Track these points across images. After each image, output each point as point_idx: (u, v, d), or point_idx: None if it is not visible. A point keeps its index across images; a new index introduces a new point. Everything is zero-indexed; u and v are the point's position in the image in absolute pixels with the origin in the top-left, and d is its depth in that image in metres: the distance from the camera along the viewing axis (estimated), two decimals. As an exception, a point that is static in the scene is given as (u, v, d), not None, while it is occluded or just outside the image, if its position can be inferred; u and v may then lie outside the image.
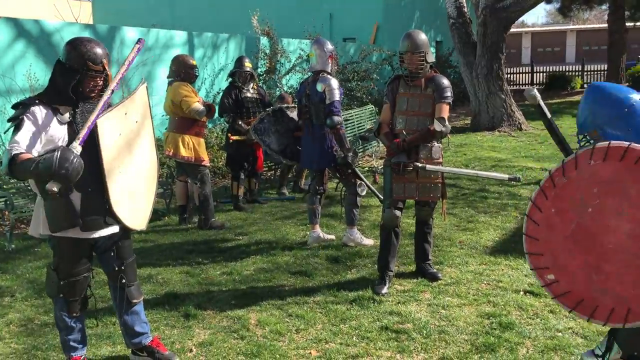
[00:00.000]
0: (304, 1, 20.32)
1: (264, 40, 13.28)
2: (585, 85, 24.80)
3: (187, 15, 21.49)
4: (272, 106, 6.53)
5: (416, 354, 3.51)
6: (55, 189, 2.69)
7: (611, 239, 2.10)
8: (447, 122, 4.46)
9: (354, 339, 3.72)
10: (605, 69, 24.75)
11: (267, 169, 8.84)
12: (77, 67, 2.95)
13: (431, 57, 4.55)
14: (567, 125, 13.92)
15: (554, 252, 2.21)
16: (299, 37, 14.81)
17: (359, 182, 5.51)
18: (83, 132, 2.84)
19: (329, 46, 5.46)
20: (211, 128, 10.14)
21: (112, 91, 2.95)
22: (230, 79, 7.11)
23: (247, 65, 6.98)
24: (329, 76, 5.36)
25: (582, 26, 52.39)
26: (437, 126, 4.38)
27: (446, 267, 4.95)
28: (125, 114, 3.15)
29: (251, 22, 14.09)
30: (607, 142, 2.18)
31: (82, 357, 3.32)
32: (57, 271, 3.16)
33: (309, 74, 5.63)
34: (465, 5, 13.69)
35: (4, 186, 6.43)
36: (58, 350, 3.64)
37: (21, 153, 2.79)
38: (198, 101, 6.09)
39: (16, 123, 2.87)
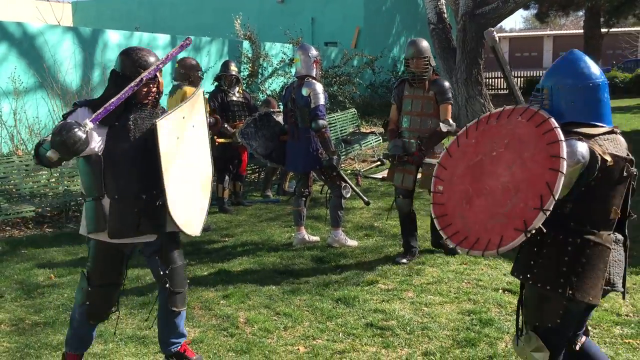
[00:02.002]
0: (286, 5, 20.48)
1: (246, 44, 13.39)
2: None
3: (168, 18, 21.51)
4: (258, 110, 6.63)
5: (400, 349, 3.65)
6: (52, 156, 2.73)
7: (491, 183, 2.36)
8: (451, 122, 5.03)
9: (340, 335, 3.85)
10: (581, 74, 25.26)
11: (251, 172, 8.94)
12: (130, 74, 3.02)
13: (433, 62, 5.10)
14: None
15: (455, 172, 2.52)
16: (281, 41, 14.94)
17: (343, 184, 5.64)
18: (99, 111, 2.87)
19: (314, 52, 5.60)
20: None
21: (142, 79, 2.98)
22: (216, 83, 7.20)
23: (233, 69, 7.08)
24: (313, 81, 5.49)
25: (559, 32, 53.26)
26: (444, 127, 5.00)
27: (428, 267, 5.10)
28: (183, 117, 3.15)
29: (233, 25, 14.21)
30: (538, 108, 2.37)
31: (79, 356, 3.33)
32: (89, 277, 3.16)
33: (292, 77, 5.78)
34: (445, 11, 13.92)
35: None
36: (50, 349, 3.72)
37: (47, 138, 2.87)
38: (207, 110, 6.15)
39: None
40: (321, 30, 19.80)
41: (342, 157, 9.21)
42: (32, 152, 2.90)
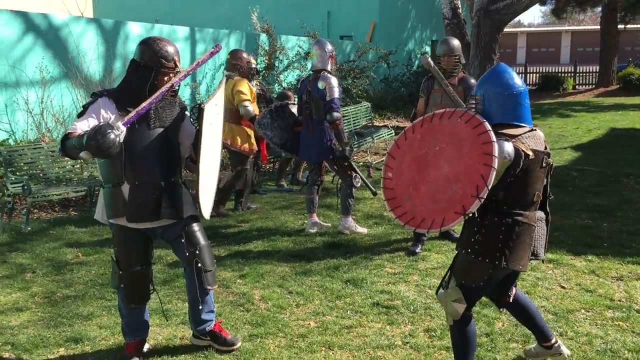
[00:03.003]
0: (302, -1, 20.69)
1: (263, 37, 13.66)
2: (577, 87, 25.30)
3: (186, 10, 21.81)
4: (274, 102, 6.91)
5: (404, 326, 3.93)
6: (85, 157, 2.88)
7: (435, 173, 2.82)
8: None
9: (349, 312, 4.14)
10: (597, 70, 25.26)
11: (266, 162, 9.22)
12: (151, 64, 3.13)
13: (463, 60, 5.44)
14: (557, 126, 14.39)
15: (403, 162, 2.96)
16: (297, 34, 15.18)
17: (354, 174, 5.91)
18: (131, 115, 2.98)
19: (329, 46, 5.86)
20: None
21: (172, 85, 3.11)
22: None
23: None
24: (329, 75, 5.75)
25: (577, 27, 52.92)
26: None
27: (434, 253, 5.36)
28: (216, 105, 3.31)
29: (250, 18, 14.48)
30: (475, 113, 2.85)
31: (138, 342, 3.46)
32: (118, 261, 3.30)
33: (307, 70, 6.05)
34: (460, 6, 14.08)
35: (17, 173, 6.80)
36: (82, 318, 4.05)
37: (73, 132, 2.98)
38: (250, 101, 6.48)
39: (81, 111, 3.15)
40: (337, 23, 19.99)
41: (354, 150, 9.48)
42: (59, 144, 3.02)
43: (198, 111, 3.25)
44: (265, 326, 3.92)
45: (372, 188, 6.19)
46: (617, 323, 3.92)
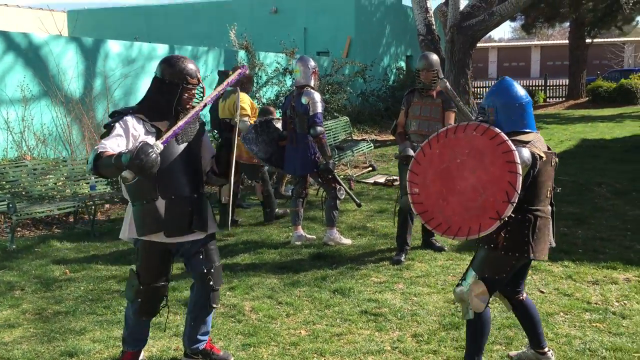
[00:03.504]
0: (279, 16, 20.94)
1: (241, 54, 13.81)
2: (548, 100, 25.92)
3: (162, 27, 21.88)
4: (258, 118, 7.04)
5: (392, 332, 4.06)
6: (128, 177, 2.84)
7: (461, 184, 3.02)
8: None
9: (338, 321, 4.25)
10: (567, 83, 25.93)
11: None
12: (177, 81, 3.19)
13: (441, 74, 5.70)
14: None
15: (427, 177, 3.16)
16: (274, 50, 15.37)
17: (338, 186, 6.06)
18: (168, 134, 3.01)
19: (312, 63, 6.03)
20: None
21: (205, 104, 3.17)
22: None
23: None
24: (312, 90, 5.92)
25: (546, 42, 54.18)
26: None
27: (417, 262, 5.52)
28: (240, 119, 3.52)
29: (228, 35, 14.63)
30: (489, 124, 3.05)
31: (136, 352, 3.51)
32: (139, 276, 3.32)
33: (285, 86, 6.21)
34: (434, 23, 14.43)
35: (0, 191, 6.79)
36: (75, 333, 4.09)
37: (106, 151, 2.95)
38: (249, 116, 6.70)
39: (108, 129, 3.13)
40: (314, 40, 20.27)
41: (335, 163, 9.64)
42: (89, 164, 2.94)
43: (228, 126, 3.41)
44: (257, 336, 4.01)
45: (357, 200, 6.34)
46: (594, 324, 4.11)
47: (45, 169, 7.34)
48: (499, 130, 3.00)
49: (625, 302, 4.50)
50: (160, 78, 3.24)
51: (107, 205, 7.93)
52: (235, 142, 3.33)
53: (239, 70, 3.46)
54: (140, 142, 2.85)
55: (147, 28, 21.61)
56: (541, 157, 3.14)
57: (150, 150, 2.80)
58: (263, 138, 6.17)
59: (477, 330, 3.30)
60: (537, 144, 3.21)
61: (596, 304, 4.48)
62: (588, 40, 25.67)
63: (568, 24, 26.20)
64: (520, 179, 2.87)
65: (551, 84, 26.79)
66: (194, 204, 3.32)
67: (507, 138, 2.96)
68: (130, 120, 3.15)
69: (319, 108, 5.84)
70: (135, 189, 3.21)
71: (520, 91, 3.29)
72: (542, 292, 4.73)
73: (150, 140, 3.07)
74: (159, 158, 2.86)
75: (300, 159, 5.98)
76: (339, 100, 14.51)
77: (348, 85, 15.50)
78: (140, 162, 2.77)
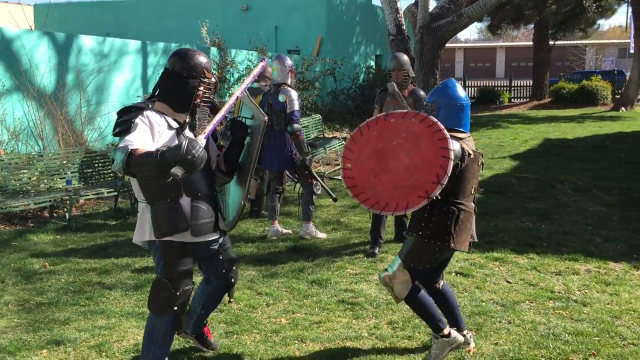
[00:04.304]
0: (250, 13, 20.96)
1: (214, 51, 13.86)
2: (513, 100, 26.56)
3: (132, 22, 21.67)
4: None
5: (369, 320, 4.26)
6: (179, 173, 2.73)
7: (395, 164, 3.29)
8: None
9: (316, 310, 4.43)
10: (531, 84, 26.60)
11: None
12: (195, 75, 3.12)
13: (412, 73, 5.92)
14: (495, 137, 15.19)
15: (361, 154, 3.39)
16: (245, 47, 15.45)
17: (314, 182, 6.23)
18: (209, 128, 3.00)
19: (289, 61, 6.19)
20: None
21: (237, 97, 3.21)
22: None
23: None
24: (289, 88, 6.08)
25: (511, 43, 55.30)
26: None
27: (390, 255, 5.72)
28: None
29: (199, 31, 14.66)
30: (428, 115, 3.35)
31: None
32: (171, 282, 3.16)
33: (255, 83, 6.37)
34: (403, 23, 14.70)
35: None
36: (60, 323, 4.18)
37: (137, 149, 2.81)
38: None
39: (129, 125, 2.97)
40: (284, 38, 20.36)
41: (312, 159, 9.81)
42: (122, 162, 2.77)
43: (241, 125, 3.40)
44: (239, 324, 4.17)
45: (333, 194, 6.51)
46: (557, 312, 4.38)
47: (19, 163, 7.33)
48: (437, 120, 3.29)
49: (586, 291, 4.78)
50: (177, 72, 3.13)
51: (81, 200, 7.94)
52: (259, 140, 3.32)
53: (262, 64, 3.56)
54: (186, 139, 2.78)
55: (116, 24, 21.37)
56: (469, 155, 3.42)
57: (199, 147, 2.76)
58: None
59: (419, 310, 3.56)
60: (469, 143, 3.51)
61: (559, 292, 4.75)
62: (551, 42, 26.37)
63: (532, 25, 26.85)
64: (451, 164, 3.15)
65: (516, 85, 27.43)
66: (214, 201, 3.30)
67: (443, 127, 3.25)
68: (152, 115, 3.05)
69: (296, 106, 6.00)
70: (157, 188, 3.05)
71: (462, 93, 3.62)
72: (508, 282, 4.99)
73: (171, 137, 3.05)
74: (205, 152, 2.82)
75: (278, 156, 6.13)
76: (309, 97, 14.68)
77: (317, 81, 15.66)
78: (192, 158, 2.71)
